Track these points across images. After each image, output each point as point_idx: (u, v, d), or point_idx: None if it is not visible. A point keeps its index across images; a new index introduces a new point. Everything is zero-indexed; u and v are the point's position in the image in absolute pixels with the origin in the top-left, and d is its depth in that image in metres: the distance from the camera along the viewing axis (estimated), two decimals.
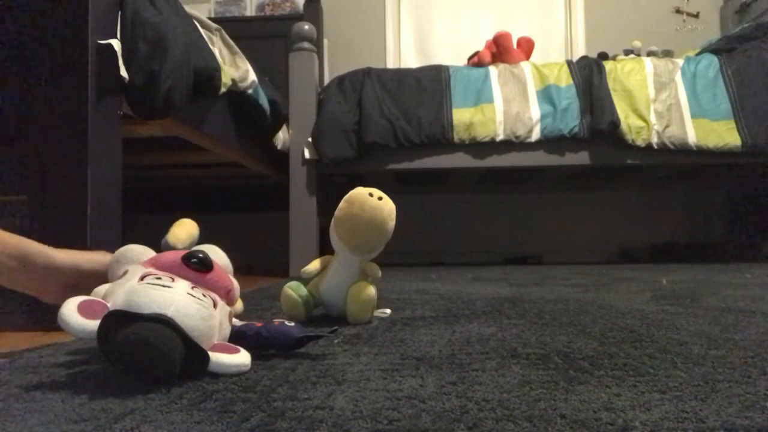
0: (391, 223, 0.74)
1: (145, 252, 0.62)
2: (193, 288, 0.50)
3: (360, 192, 0.74)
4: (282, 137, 2.09)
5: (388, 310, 0.82)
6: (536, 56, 2.29)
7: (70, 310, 0.45)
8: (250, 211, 2.73)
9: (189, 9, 1.30)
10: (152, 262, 0.53)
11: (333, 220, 0.76)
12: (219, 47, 1.49)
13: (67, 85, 0.85)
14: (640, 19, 2.89)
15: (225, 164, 1.92)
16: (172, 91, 1.08)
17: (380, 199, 0.73)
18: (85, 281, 0.61)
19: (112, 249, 0.89)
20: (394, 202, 0.76)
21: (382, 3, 2.99)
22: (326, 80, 2.40)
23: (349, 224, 0.74)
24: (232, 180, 2.43)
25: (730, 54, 1.99)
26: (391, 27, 2.99)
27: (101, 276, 0.61)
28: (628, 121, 1.87)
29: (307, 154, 1.92)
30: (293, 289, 0.77)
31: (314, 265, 0.80)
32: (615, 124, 1.85)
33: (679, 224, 2.75)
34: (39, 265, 0.59)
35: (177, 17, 1.16)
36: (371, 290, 0.74)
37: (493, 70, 2.00)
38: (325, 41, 2.66)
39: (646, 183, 2.60)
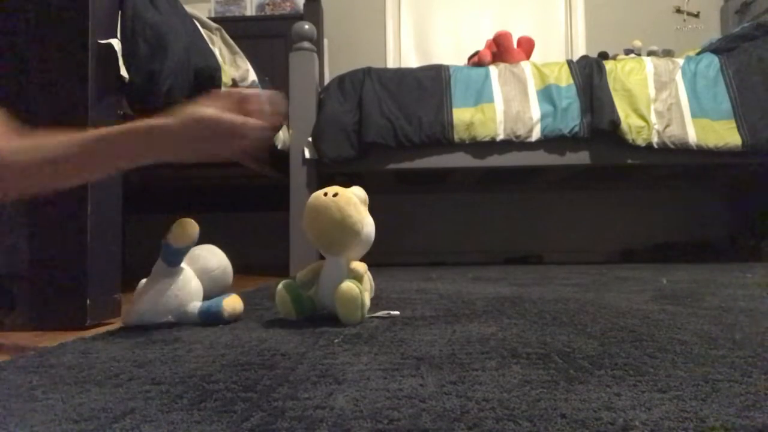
0: (349, 213, 0.73)
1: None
2: None
3: (314, 195, 0.75)
4: (282, 137, 2.09)
5: (396, 312, 0.82)
6: (536, 56, 2.29)
7: None
8: (250, 211, 2.73)
9: (189, 9, 1.30)
10: None
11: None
12: (219, 47, 1.49)
13: (67, 84, 0.85)
14: (641, 18, 2.89)
15: (225, 164, 1.92)
16: (172, 90, 1.07)
17: (335, 195, 0.73)
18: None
19: (112, 249, 0.89)
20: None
21: (382, 3, 2.98)
22: (326, 80, 2.40)
23: (310, 227, 0.75)
24: (232, 180, 2.43)
25: (731, 53, 1.99)
26: (391, 27, 2.99)
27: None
28: (628, 120, 1.87)
29: (307, 154, 1.92)
30: (285, 287, 0.78)
31: (305, 270, 0.81)
32: (615, 123, 1.85)
33: (680, 224, 2.75)
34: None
35: (177, 17, 1.16)
36: (354, 290, 0.73)
37: (494, 70, 2.00)
38: (325, 41, 2.66)
39: (646, 183, 2.60)
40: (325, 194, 0.74)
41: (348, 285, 0.73)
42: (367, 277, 0.80)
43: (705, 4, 2.90)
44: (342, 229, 0.73)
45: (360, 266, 0.77)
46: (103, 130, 0.64)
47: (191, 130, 0.63)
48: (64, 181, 0.66)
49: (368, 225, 0.78)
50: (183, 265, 0.78)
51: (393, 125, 1.88)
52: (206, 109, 0.63)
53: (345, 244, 0.76)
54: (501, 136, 1.89)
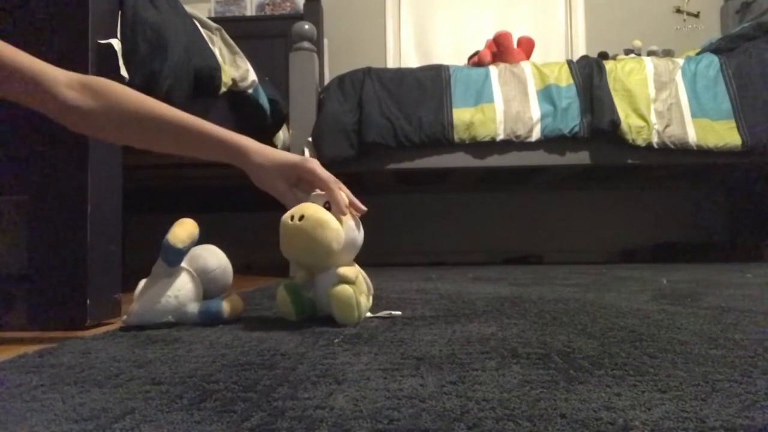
0: (315, 236, 0.71)
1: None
2: None
3: (283, 218, 0.73)
4: (282, 137, 2.09)
5: (397, 312, 0.82)
6: (536, 56, 2.29)
7: None
8: (250, 211, 2.72)
9: (189, 9, 1.30)
10: None
11: None
12: (219, 47, 1.49)
13: None
14: (641, 18, 2.89)
15: (225, 164, 1.91)
16: (172, 90, 1.08)
17: (301, 218, 0.71)
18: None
19: (112, 249, 0.89)
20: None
21: (382, 3, 2.99)
22: (326, 80, 2.40)
23: (285, 252, 0.75)
24: (232, 180, 2.42)
25: (731, 53, 1.99)
26: (392, 27, 2.99)
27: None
28: (628, 120, 1.87)
29: (307, 154, 1.92)
30: (285, 287, 0.77)
31: (304, 272, 0.80)
32: (615, 123, 1.85)
33: (679, 224, 2.75)
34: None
35: (177, 17, 1.16)
36: (348, 290, 0.73)
37: (494, 70, 2.00)
38: (325, 41, 2.66)
39: (646, 183, 2.60)
40: (292, 218, 0.72)
41: (342, 286, 0.73)
42: (362, 279, 0.79)
43: (705, 4, 2.90)
44: (313, 253, 0.72)
45: (350, 272, 0.75)
46: (210, 130, 0.78)
47: (284, 168, 0.76)
48: (147, 146, 0.73)
49: (348, 232, 0.75)
50: (183, 265, 0.78)
51: (393, 125, 1.88)
52: (313, 162, 0.75)
53: (325, 262, 0.75)
54: (501, 136, 1.89)
